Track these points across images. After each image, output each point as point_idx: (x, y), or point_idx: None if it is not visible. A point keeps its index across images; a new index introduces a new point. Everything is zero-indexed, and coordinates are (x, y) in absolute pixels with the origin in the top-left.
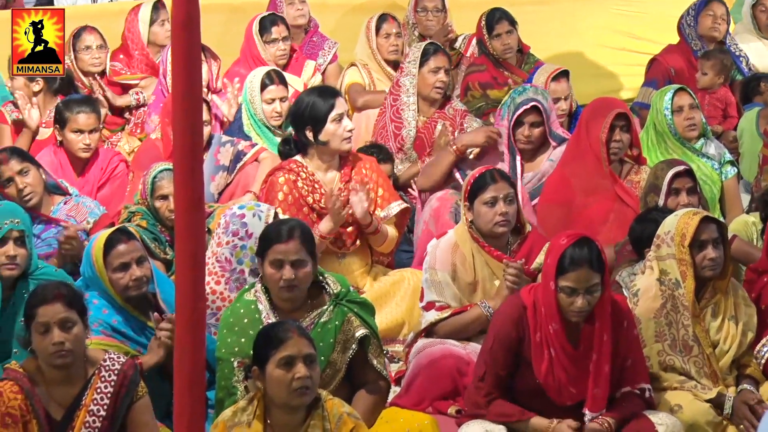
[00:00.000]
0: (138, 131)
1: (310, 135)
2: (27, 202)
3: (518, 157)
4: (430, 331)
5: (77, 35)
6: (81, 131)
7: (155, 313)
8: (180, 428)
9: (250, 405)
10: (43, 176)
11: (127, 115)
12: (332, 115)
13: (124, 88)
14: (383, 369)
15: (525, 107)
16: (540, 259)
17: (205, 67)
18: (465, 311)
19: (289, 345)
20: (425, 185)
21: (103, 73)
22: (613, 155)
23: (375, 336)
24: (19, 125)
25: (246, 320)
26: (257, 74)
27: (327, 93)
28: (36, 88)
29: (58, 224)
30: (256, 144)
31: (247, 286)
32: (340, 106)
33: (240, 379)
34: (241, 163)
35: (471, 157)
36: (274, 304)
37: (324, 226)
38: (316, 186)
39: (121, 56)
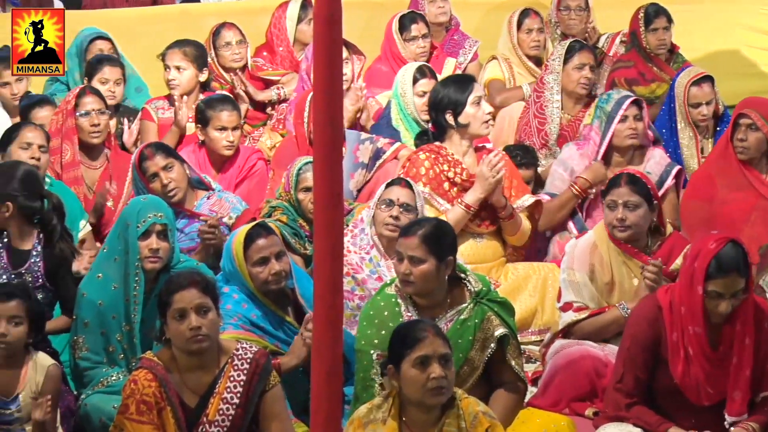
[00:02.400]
0: (280, 127)
1: (450, 119)
2: (171, 197)
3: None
4: (567, 332)
5: (217, 32)
6: (224, 128)
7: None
8: (317, 424)
9: (386, 402)
10: (187, 171)
11: (269, 110)
12: (471, 98)
13: (266, 84)
14: (521, 371)
15: (627, 102)
16: (680, 260)
17: (349, 65)
18: (603, 312)
19: (424, 344)
20: (544, 227)
21: (244, 68)
22: (739, 154)
23: (514, 337)
24: (166, 123)
25: (386, 313)
26: (408, 69)
27: (464, 78)
28: (202, 78)
29: (201, 219)
30: (396, 142)
31: (388, 281)
32: (478, 90)
33: (378, 371)
34: (381, 160)
35: (592, 196)
36: (413, 299)
37: (470, 196)
38: (457, 162)
39: (265, 53)
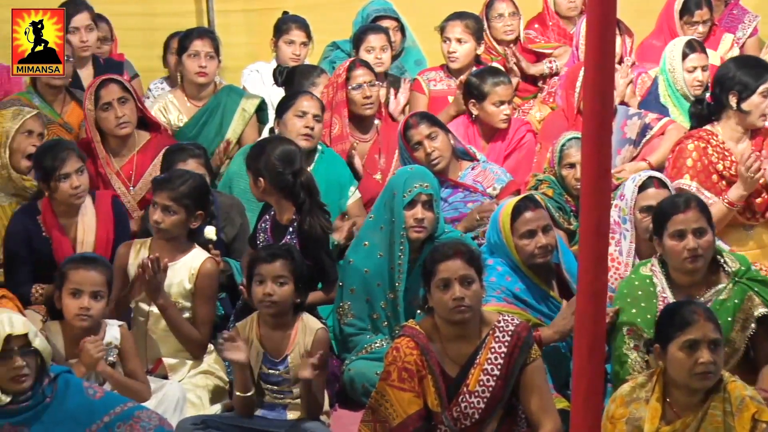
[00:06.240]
0: (550, 100)
1: (733, 100)
2: (434, 166)
3: None
4: None
5: (490, 4)
6: (502, 102)
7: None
8: (578, 399)
9: (649, 382)
10: (452, 141)
11: (540, 83)
12: (762, 87)
13: (538, 56)
14: None
15: None
16: None
17: (618, 41)
18: None
19: (694, 328)
20: None
21: (516, 41)
22: None
23: None
24: (437, 95)
25: (640, 292)
26: (677, 44)
27: (760, 64)
28: (479, 51)
29: (465, 189)
30: (663, 117)
31: (643, 261)
32: None
33: (630, 347)
34: (648, 136)
35: None
36: (672, 279)
37: (733, 193)
38: (726, 153)
39: (536, 25)
